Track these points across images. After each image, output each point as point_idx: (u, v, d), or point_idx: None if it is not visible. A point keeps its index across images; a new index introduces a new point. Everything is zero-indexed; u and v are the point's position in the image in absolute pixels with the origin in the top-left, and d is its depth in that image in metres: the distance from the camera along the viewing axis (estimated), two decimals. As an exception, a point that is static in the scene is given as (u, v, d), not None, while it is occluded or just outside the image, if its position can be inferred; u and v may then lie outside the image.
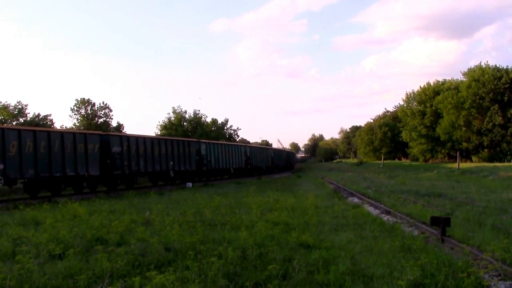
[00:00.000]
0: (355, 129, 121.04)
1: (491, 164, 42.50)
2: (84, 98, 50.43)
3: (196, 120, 60.94)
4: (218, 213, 12.08)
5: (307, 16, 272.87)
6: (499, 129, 51.00)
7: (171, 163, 28.58)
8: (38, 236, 8.49)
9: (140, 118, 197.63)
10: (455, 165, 41.51)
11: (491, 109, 51.12)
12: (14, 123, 41.51)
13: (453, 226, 8.76)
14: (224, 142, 43.33)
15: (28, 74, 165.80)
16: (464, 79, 57.71)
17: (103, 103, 51.30)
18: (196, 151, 32.40)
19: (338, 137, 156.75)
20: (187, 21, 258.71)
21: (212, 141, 38.41)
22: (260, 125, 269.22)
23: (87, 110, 50.50)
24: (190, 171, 31.54)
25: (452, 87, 59.23)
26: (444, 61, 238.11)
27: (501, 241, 7.34)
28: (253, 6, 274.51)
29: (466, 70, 58.95)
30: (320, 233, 9.03)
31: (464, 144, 55.31)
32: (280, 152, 71.24)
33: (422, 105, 63.66)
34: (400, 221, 10.76)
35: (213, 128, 63.40)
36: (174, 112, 59.80)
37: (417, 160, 67.56)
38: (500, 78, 51.18)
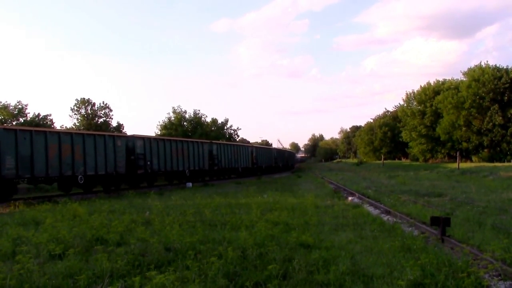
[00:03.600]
0: (355, 129, 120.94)
1: (491, 164, 42.48)
2: (84, 98, 50.38)
3: (196, 120, 60.92)
4: (218, 213, 12.07)
5: (309, 16, 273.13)
6: (499, 129, 50.97)
7: None
8: (38, 236, 8.47)
9: (140, 118, 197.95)
10: (455, 165, 41.51)
11: (491, 109, 51.09)
12: (14, 123, 41.49)
13: (453, 226, 8.75)
14: (264, 146, 56.92)
15: (28, 74, 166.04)
16: (464, 79, 57.70)
17: (103, 103, 51.30)
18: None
19: (338, 137, 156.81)
20: (188, 21, 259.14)
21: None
22: (260, 125, 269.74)
23: (87, 110, 50.45)
24: None
25: (452, 87, 59.16)
26: (446, 61, 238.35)
27: (501, 241, 7.33)
28: (255, 6, 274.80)
29: (466, 70, 59.02)
30: (320, 233, 9.02)
31: (464, 144, 55.29)
32: (289, 153, 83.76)
33: (422, 105, 63.67)
34: (400, 221, 10.75)
35: (213, 128, 63.37)
36: (174, 112, 59.77)
37: (417, 160, 67.53)
38: (500, 78, 51.15)
